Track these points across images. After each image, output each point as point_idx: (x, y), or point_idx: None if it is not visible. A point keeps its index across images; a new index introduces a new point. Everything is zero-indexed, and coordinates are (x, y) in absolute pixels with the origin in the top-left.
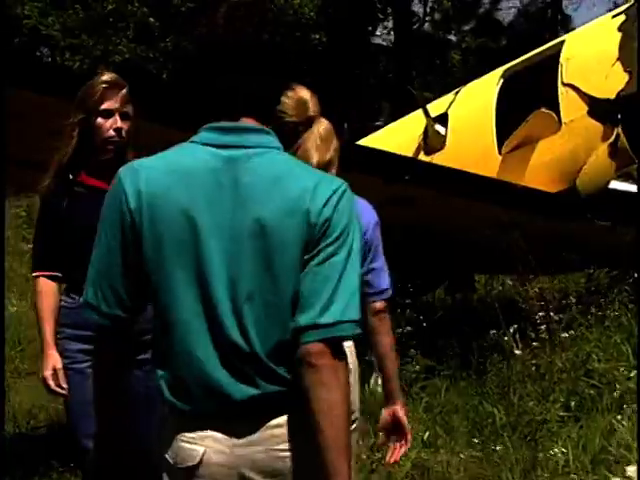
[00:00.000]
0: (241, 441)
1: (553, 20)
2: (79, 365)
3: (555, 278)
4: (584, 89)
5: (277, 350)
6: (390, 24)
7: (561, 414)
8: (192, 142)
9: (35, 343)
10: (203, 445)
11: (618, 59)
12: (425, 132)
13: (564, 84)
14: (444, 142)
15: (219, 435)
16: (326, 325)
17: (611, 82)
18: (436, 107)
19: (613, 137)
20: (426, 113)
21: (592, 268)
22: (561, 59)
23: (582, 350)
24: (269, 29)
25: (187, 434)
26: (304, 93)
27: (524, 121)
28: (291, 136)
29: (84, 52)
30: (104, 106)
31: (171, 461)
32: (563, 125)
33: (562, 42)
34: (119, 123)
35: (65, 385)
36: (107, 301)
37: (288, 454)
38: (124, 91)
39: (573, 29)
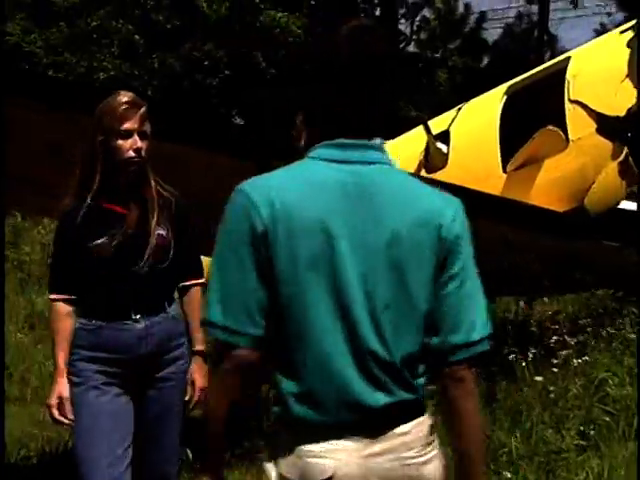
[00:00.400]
0: (371, 451)
1: (539, 40)
2: (95, 382)
3: (555, 299)
4: (592, 106)
5: (409, 359)
6: None
7: (578, 442)
8: (310, 158)
9: (22, 367)
10: (333, 458)
11: (627, 76)
12: (426, 150)
13: (571, 101)
14: (446, 160)
15: (350, 446)
16: (475, 342)
17: (621, 99)
18: (437, 124)
19: (623, 155)
20: (427, 130)
21: (598, 289)
22: (567, 76)
23: (594, 375)
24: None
25: (314, 448)
26: None
27: (530, 139)
28: None
29: (67, 69)
30: (124, 127)
31: (293, 478)
32: (571, 143)
33: (568, 58)
34: (139, 143)
35: (71, 415)
36: (238, 319)
37: (415, 461)
38: (143, 110)
39: (561, 49)
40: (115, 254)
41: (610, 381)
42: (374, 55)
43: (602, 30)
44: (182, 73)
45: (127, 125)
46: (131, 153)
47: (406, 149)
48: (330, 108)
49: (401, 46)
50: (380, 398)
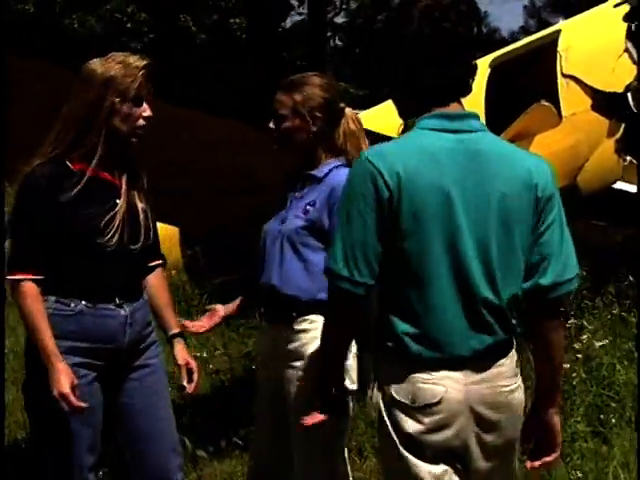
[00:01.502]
0: (473, 379)
1: None
2: (80, 380)
3: None
4: (588, 81)
5: (513, 301)
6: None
7: (591, 429)
8: (420, 129)
9: None
10: (443, 385)
11: (625, 50)
12: (405, 124)
13: (564, 75)
14: None
15: (456, 376)
16: (565, 281)
17: (618, 75)
18: None
19: (620, 133)
20: None
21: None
22: (559, 49)
23: (592, 359)
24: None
25: (426, 376)
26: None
27: (522, 114)
28: (336, 125)
29: None
30: (142, 93)
31: (407, 402)
32: (564, 118)
33: (558, 31)
34: (149, 111)
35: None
36: (360, 271)
37: (505, 389)
38: (151, 75)
39: (489, 24)
40: (108, 228)
41: (617, 365)
42: (450, 29)
43: (532, 7)
44: (104, 35)
45: (143, 91)
46: (141, 122)
47: (384, 121)
48: (421, 80)
49: (330, 16)
50: (486, 340)
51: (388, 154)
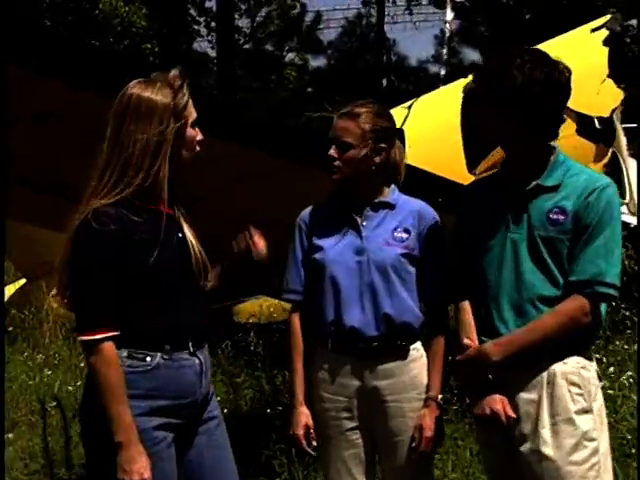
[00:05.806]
0: None
1: (377, 42)
2: (160, 447)
3: None
4: (571, 106)
5: None
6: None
7: None
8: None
9: None
10: None
11: (609, 75)
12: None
13: None
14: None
15: None
16: None
17: (603, 99)
18: None
19: (608, 157)
20: None
21: None
22: None
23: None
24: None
25: None
26: None
27: None
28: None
29: None
30: (195, 114)
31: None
32: None
33: None
34: (200, 134)
35: None
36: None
37: None
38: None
39: (398, 52)
40: (176, 267)
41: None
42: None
43: (442, 36)
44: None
45: (195, 112)
46: (197, 146)
47: None
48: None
49: (240, 42)
50: None
51: None
